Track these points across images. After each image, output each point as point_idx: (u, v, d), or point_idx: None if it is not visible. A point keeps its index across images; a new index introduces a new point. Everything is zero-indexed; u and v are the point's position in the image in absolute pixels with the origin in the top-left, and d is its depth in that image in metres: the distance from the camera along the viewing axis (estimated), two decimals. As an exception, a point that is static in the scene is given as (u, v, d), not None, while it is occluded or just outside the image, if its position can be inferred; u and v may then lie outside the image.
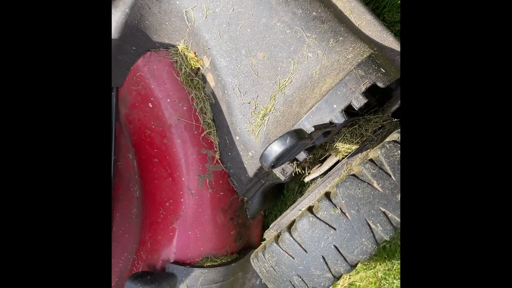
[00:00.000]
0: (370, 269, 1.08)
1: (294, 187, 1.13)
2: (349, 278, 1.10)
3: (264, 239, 0.85)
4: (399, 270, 1.05)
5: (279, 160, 0.60)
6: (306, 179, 0.85)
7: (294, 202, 1.08)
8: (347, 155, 0.77)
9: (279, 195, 1.13)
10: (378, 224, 0.63)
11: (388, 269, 1.07)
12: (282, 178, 0.79)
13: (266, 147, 0.58)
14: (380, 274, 1.07)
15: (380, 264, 1.07)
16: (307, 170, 0.87)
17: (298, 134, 0.58)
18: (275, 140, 0.57)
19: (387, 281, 1.07)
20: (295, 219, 0.70)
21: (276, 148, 0.57)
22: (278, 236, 0.71)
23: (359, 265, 1.10)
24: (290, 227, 0.70)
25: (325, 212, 0.66)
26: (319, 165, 0.85)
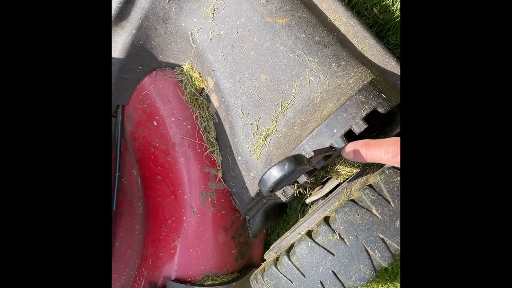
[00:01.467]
0: (372, 291, 1.07)
1: (297, 206, 1.13)
2: (351, 300, 1.09)
3: (265, 260, 0.85)
4: (401, 293, 1.04)
5: (278, 185, 0.60)
6: (307, 201, 0.85)
7: (296, 221, 1.08)
8: (348, 178, 0.77)
9: (281, 214, 1.13)
10: (376, 251, 0.63)
11: (390, 292, 1.06)
12: (284, 199, 0.80)
13: (265, 172, 0.58)
14: (382, 296, 1.06)
15: (381, 286, 1.07)
16: (309, 191, 0.87)
17: (297, 160, 0.58)
18: (273, 166, 0.58)
19: (388, 304, 1.06)
20: (294, 243, 0.70)
21: (275, 174, 0.58)
22: (277, 259, 0.72)
23: (361, 286, 1.09)
24: (289, 250, 0.70)
25: (324, 237, 0.66)
26: (320, 186, 0.85)
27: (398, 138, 0.54)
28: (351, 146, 0.61)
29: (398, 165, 0.52)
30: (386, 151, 0.53)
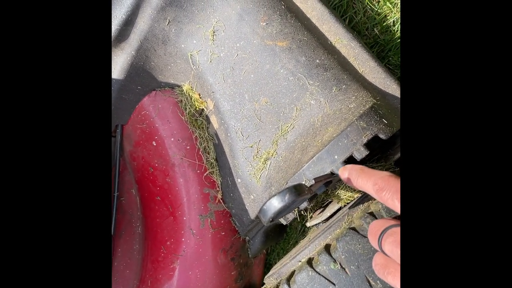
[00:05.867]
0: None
1: (297, 226, 1.12)
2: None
3: (264, 284, 0.84)
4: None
5: (278, 215, 0.59)
6: (308, 224, 0.85)
7: (296, 242, 1.07)
8: (349, 202, 0.76)
9: (282, 234, 1.12)
10: (378, 281, 0.62)
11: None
12: (284, 222, 0.79)
13: (265, 203, 0.57)
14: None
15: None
16: (309, 214, 0.86)
17: (297, 190, 0.57)
18: (274, 196, 0.57)
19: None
20: (294, 271, 0.69)
21: (275, 204, 0.57)
22: (277, 286, 0.70)
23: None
24: (289, 279, 0.69)
25: (325, 267, 0.65)
26: (321, 210, 0.84)
27: (390, 174, 0.50)
28: (347, 168, 0.59)
29: (381, 200, 0.50)
30: (374, 183, 0.50)
